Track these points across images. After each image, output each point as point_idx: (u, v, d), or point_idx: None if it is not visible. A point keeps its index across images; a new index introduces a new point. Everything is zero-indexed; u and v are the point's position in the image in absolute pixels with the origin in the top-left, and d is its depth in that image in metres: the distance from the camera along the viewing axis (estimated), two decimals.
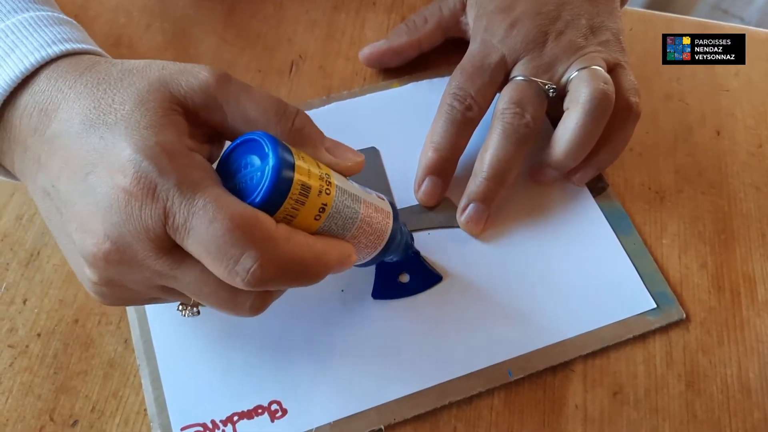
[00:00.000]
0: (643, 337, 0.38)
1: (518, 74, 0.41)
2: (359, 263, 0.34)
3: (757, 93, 0.49)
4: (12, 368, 0.36)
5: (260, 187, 0.28)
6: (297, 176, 0.28)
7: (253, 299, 0.30)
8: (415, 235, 0.41)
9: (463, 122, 0.41)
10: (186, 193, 0.26)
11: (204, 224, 0.26)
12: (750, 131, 0.47)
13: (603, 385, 0.37)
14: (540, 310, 0.38)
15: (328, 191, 0.30)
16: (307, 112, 0.45)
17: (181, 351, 0.37)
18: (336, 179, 0.31)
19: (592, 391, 0.37)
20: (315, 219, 0.30)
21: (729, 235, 0.42)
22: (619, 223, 0.42)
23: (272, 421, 0.35)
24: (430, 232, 0.41)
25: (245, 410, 0.35)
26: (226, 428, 0.34)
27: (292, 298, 0.38)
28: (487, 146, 0.40)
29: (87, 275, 0.29)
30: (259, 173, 0.28)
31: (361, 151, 0.44)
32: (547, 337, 0.38)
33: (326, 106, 0.46)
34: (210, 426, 0.34)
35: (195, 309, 0.33)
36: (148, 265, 0.28)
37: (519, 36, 0.41)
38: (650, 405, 0.37)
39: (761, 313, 0.40)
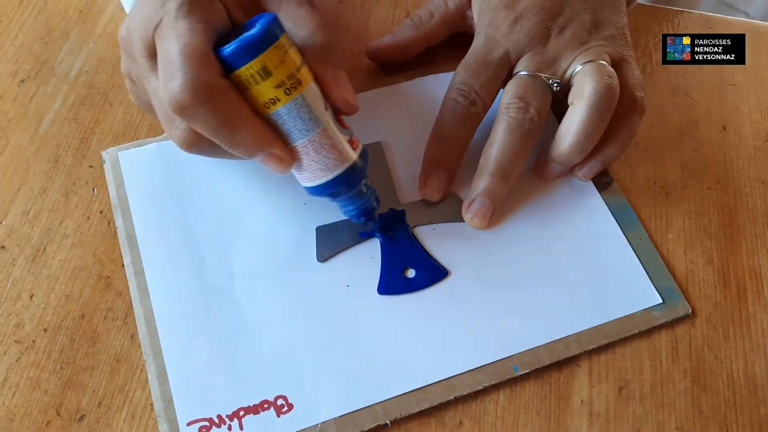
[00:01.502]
0: (648, 333, 0.38)
1: (522, 69, 0.41)
2: (304, 183, 0.37)
3: (763, 87, 0.49)
4: (19, 363, 0.37)
5: (230, 44, 0.31)
6: (263, 57, 0.31)
7: (182, 130, 0.33)
8: (421, 229, 0.41)
9: (468, 117, 0.41)
10: (178, 14, 0.31)
11: (171, 41, 0.31)
12: (756, 126, 0.47)
13: (609, 380, 0.37)
14: (545, 305, 0.38)
15: (288, 91, 0.33)
16: None
17: (187, 346, 0.37)
18: (309, 94, 0.33)
19: (597, 386, 0.37)
20: (264, 106, 0.33)
21: (735, 231, 0.42)
22: (625, 218, 0.42)
23: (278, 416, 0.35)
24: (436, 227, 0.41)
25: (251, 405, 0.35)
26: (232, 423, 0.34)
27: (297, 293, 0.38)
28: (492, 141, 0.40)
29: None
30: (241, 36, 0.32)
31: (366, 146, 0.44)
32: (553, 332, 0.37)
33: None
34: (216, 421, 0.35)
35: None
36: (137, 60, 0.34)
37: (522, 31, 0.41)
38: (656, 400, 0.37)
39: None
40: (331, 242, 0.40)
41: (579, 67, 0.40)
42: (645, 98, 0.41)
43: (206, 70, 0.31)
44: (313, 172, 0.35)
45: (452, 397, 0.36)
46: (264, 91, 0.32)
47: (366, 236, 0.40)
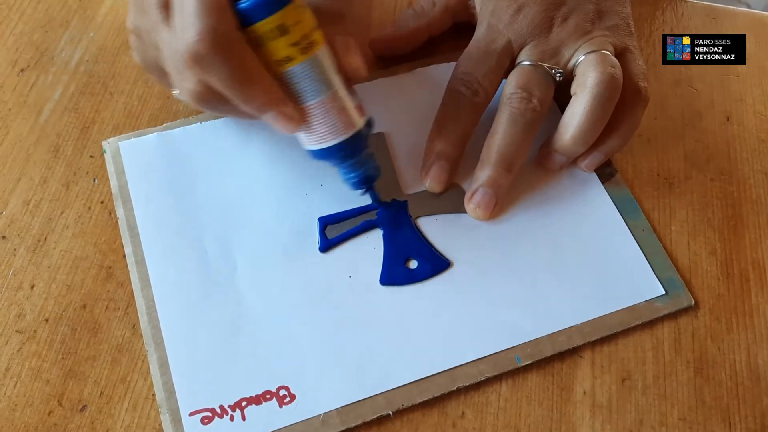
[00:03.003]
0: (651, 324, 0.38)
1: (524, 59, 0.40)
2: (311, 146, 0.37)
3: (767, 78, 0.48)
4: (20, 353, 0.36)
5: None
6: (282, 13, 0.31)
7: (194, 83, 0.33)
8: (423, 220, 0.41)
9: (470, 107, 0.41)
10: None
11: None
12: (760, 117, 0.47)
13: (611, 371, 0.37)
14: (548, 296, 0.38)
15: (303, 51, 0.33)
16: None
17: (189, 336, 0.36)
18: (322, 56, 0.34)
19: (600, 377, 0.37)
20: (278, 63, 0.33)
21: (738, 222, 0.42)
22: (628, 210, 0.42)
23: (280, 406, 0.35)
24: (438, 217, 0.41)
25: (254, 395, 0.35)
26: (234, 413, 0.34)
27: (300, 284, 0.38)
28: (494, 131, 0.40)
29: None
30: None
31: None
32: (555, 324, 0.37)
33: None
34: (218, 411, 0.34)
35: None
36: (149, 11, 0.33)
37: (525, 21, 0.41)
38: (659, 391, 0.37)
39: None
40: (333, 232, 0.40)
41: (582, 57, 0.40)
42: (648, 89, 0.41)
43: (223, 21, 0.31)
44: (320, 134, 0.35)
45: (455, 388, 0.36)
46: (279, 48, 0.32)
47: (369, 226, 0.40)
